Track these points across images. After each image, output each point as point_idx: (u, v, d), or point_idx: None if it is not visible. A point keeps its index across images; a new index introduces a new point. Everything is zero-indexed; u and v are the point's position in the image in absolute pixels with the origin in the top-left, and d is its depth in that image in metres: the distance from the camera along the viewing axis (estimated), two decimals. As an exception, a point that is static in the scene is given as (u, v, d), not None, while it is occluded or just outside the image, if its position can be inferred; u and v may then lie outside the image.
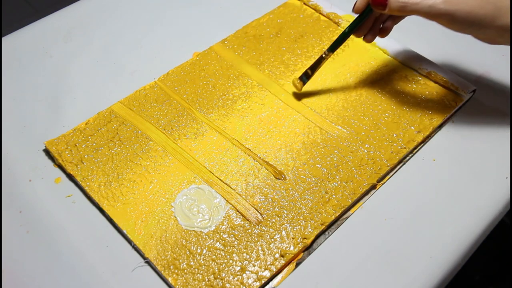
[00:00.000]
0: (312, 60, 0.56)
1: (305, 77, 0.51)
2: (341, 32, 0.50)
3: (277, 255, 0.41)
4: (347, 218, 0.44)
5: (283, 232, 0.42)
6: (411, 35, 0.59)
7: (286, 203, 0.44)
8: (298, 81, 0.51)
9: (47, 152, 0.48)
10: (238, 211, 0.43)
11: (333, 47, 0.49)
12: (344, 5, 0.52)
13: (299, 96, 0.52)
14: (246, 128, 0.49)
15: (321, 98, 0.52)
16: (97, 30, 0.61)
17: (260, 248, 0.41)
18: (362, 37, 0.49)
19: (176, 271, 0.40)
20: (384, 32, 0.49)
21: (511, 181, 0.46)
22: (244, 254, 0.41)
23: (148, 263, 0.41)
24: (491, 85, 0.54)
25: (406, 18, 0.47)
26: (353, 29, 0.48)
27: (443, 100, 0.51)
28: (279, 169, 0.46)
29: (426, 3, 0.41)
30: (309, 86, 0.53)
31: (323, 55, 0.50)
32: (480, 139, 0.49)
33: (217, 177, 0.46)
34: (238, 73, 0.55)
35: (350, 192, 0.44)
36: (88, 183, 0.45)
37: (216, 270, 0.40)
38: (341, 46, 0.56)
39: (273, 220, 0.43)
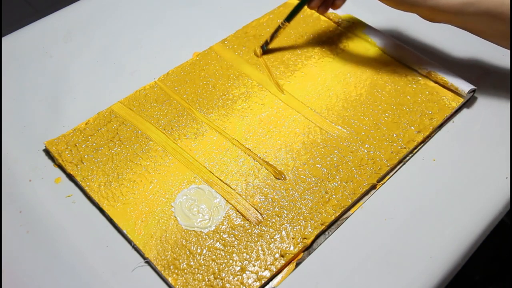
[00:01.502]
0: (313, 60, 0.56)
1: (265, 45, 0.56)
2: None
3: (277, 255, 0.41)
4: (347, 218, 0.44)
5: (283, 232, 0.42)
6: (411, 35, 0.59)
7: (286, 203, 0.44)
8: (259, 49, 0.56)
9: (47, 152, 0.48)
10: (238, 211, 0.43)
11: (289, 18, 0.54)
12: (344, 5, 0.52)
13: (299, 96, 0.52)
14: (246, 128, 0.49)
15: (321, 98, 0.52)
16: (97, 30, 0.61)
17: (260, 248, 0.41)
18: (316, 9, 0.53)
19: (176, 271, 0.40)
20: (335, 5, 0.52)
21: (511, 181, 0.46)
22: (244, 254, 0.41)
23: (148, 263, 0.41)
24: (491, 85, 0.54)
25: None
26: (306, 0, 0.52)
27: (443, 100, 0.51)
28: (279, 169, 0.46)
29: None
30: (309, 86, 0.53)
31: (280, 25, 0.55)
32: (480, 139, 0.49)
33: (217, 177, 0.46)
34: (238, 73, 0.55)
35: (350, 192, 0.44)
36: (88, 183, 0.45)
37: (216, 270, 0.40)
38: (341, 46, 0.57)
39: (273, 220, 0.43)
